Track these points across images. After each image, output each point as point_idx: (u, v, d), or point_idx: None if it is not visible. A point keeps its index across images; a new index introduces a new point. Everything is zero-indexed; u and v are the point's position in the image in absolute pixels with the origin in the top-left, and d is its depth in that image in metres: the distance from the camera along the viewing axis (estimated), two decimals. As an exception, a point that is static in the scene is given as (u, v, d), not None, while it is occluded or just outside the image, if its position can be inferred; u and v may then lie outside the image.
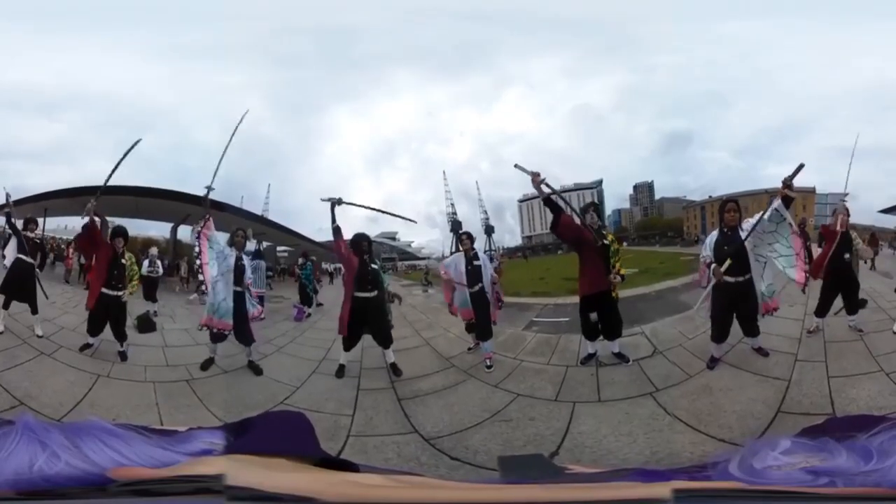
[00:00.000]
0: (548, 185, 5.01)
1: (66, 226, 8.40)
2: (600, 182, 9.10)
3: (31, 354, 5.19)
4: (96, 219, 5.44)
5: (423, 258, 9.88)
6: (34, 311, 5.67)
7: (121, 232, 5.73)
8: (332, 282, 9.02)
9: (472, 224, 8.90)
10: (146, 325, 6.32)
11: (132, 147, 5.23)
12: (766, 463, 1.08)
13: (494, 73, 8.24)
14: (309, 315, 7.46)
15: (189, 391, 5.02)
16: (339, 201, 5.49)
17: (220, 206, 6.04)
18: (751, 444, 1.17)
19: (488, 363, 5.45)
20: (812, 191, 7.25)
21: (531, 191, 9.33)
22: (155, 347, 5.85)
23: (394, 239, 9.95)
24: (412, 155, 9.13)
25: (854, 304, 5.31)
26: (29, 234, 5.83)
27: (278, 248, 9.46)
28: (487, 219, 9.29)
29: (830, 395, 4.31)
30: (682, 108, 7.92)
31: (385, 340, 5.53)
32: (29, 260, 5.72)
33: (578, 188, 8.92)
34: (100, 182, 5.30)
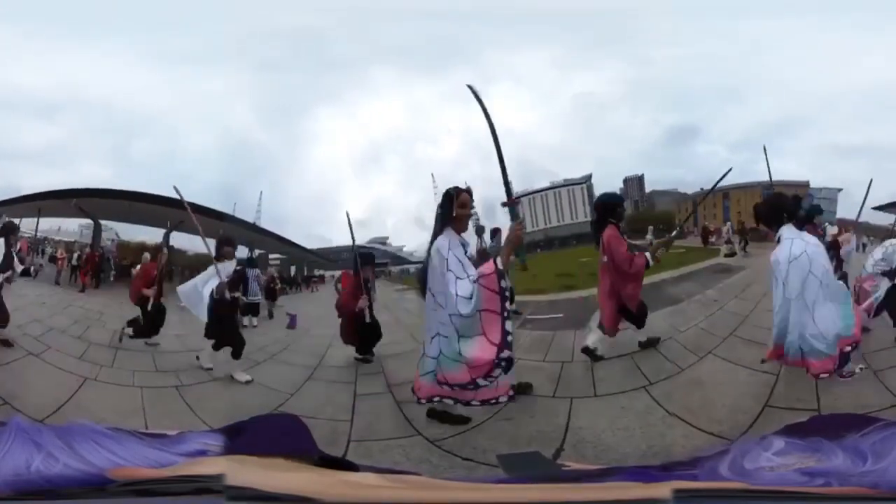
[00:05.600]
0: None
1: (60, 227, 8.36)
2: (589, 177, 9.14)
3: (18, 354, 5.14)
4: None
5: (416, 262, 9.85)
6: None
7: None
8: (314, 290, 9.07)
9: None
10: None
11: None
12: (758, 464, 1.08)
13: (478, 69, 8.24)
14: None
15: (178, 397, 4.97)
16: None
17: (220, 216, 6.07)
18: (740, 444, 1.17)
19: None
20: (806, 185, 7.34)
21: (522, 188, 9.38)
22: (144, 352, 5.80)
23: (384, 244, 9.92)
24: (400, 156, 9.11)
25: None
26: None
27: (270, 256, 9.42)
28: (478, 218, 9.30)
29: (817, 390, 4.33)
30: (677, 103, 7.96)
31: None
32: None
33: (568, 184, 8.94)
34: (94, 185, 5.32)
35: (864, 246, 7.33)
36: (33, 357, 5.15)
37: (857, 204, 5.28)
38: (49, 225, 8.14)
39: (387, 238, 9.84)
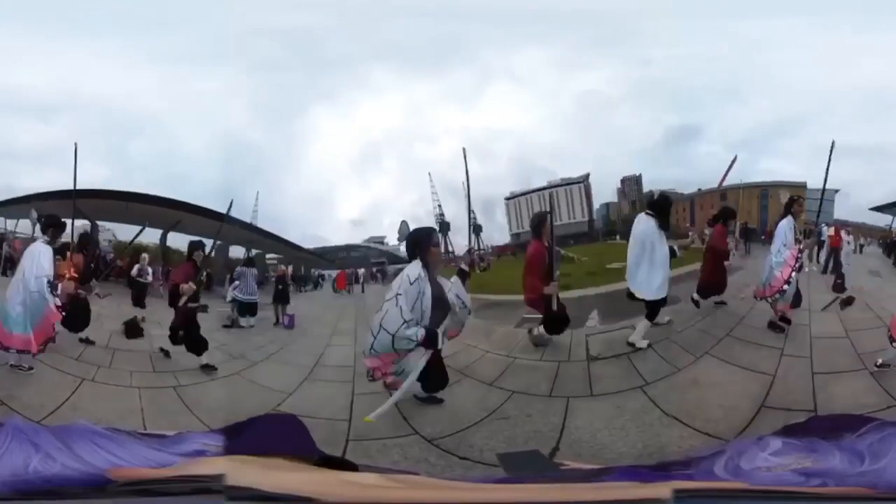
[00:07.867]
0: None
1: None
2: (587, 176, 9.13)
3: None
4: None
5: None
6: None
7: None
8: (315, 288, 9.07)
9: (461, 223, 8.88)
10: (133, 330, 6.27)
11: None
12: (755, 464, 1.08)
13: (478, 69, 8.18)
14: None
15: (176, 398, 4.97)
16: None
17: (218, 216, 6.06)
18: (736, 443, 1.17)
19: None
20: (803, 186, 7.35)
21: (519, 188, 9.38)
22: (142, 353, 5.78)
23: (382, 243, 9.89)
24: (397, 155, 9.03)
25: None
26: None
27: (267, 256, 9.39)
28: (475, 218, 9.29)
29: (814, 391, 4.37)
30: (677, 103, 7.93)
31: None
32: None
33: (566, 183, 8.93)
34: (90, 185, 5.28)
35: (862, 247, 7.37)
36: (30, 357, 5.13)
37: (856, 205, 5.29)
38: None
39: (384, 237, 9.82)
